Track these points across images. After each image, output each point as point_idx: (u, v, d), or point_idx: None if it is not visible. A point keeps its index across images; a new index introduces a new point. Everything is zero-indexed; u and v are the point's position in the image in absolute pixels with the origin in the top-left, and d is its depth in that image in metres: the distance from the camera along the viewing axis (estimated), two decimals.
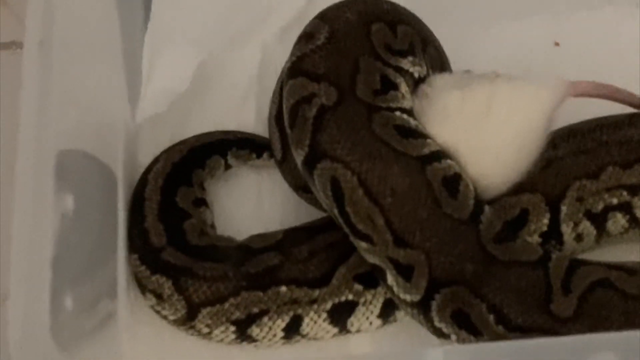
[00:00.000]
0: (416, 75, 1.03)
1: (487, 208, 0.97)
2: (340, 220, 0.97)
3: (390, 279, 0.96)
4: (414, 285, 0.94)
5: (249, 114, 1.17)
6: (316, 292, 1.01)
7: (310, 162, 0.98)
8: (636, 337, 0.78)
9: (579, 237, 1.04)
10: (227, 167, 1.13)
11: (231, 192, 1.14)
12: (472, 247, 0.93)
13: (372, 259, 0.97)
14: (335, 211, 0.97)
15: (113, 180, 1.05)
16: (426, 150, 0.97)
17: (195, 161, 1.11)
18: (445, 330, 0.94)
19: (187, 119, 1.16)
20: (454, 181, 0.96)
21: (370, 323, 1.03)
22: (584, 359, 0.78)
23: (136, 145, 1.14)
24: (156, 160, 1.11)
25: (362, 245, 0.96)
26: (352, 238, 0.97)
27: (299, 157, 1.00)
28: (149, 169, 1.10)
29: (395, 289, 0.96)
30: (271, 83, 1.12)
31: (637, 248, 1.06)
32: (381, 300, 1.02)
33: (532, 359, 0.79)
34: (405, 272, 0.94)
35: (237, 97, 1.18)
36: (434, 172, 0.95)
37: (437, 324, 0.95)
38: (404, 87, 1.01)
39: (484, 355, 0.81)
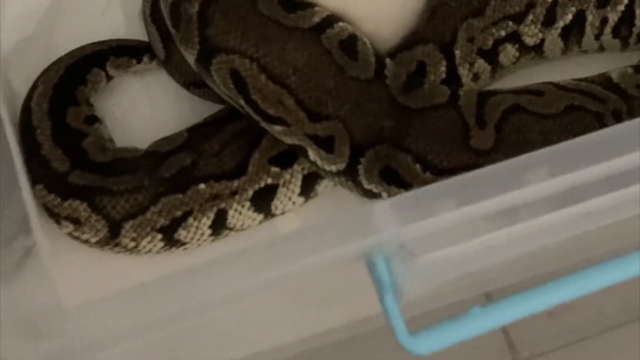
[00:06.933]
0: None
1: (388, 61, 0.96)
2: (249, 110, 0.95)
3: (312, 154, 0.95)
4: (338, 154, 0.93)
5: (117, 19, 1.10)
6: (235, 183, 0.98)
7: (205, 59, 0.94)
8: (562, 149, 0.77)
9: (475, 77, 1.04)
10: (109, 78, 1.08)
11: (120, 103, 1.08)
12: (384, 103, 0.93)
13: (290, 140, 0.95)
14: (242, 102, 0.94)
15: None
16: (316, 19, 0.95)
17: (75, 79, 1.05)
18: (375, 190, 0.94)
19: (55, 37, 1.09)
20: (351, 43, 0.95)
21: (294, 202, 1.01)
22: (518, 181, 0.76)
23: (8, 75, 1.06)
24: (34, 86, 1.04)
25: (277, 128, 0.94)
26: (263, 124, 0.95)
27: (190, 56, 0.96)
28: (29, 97, 1.03)
29: (319, 162, 0.95)
30: None
31: (525, 75, 1.07)
32: (300, 177, 1.00)
33: (468, 193, 0.76)
34: (326, 144, 0.93)
35: (101, 3, 1.11)
36: (329, 39, 0.94)
37: (366, 186, 0.94)
38: None
39: (427, 196, 0.77)
